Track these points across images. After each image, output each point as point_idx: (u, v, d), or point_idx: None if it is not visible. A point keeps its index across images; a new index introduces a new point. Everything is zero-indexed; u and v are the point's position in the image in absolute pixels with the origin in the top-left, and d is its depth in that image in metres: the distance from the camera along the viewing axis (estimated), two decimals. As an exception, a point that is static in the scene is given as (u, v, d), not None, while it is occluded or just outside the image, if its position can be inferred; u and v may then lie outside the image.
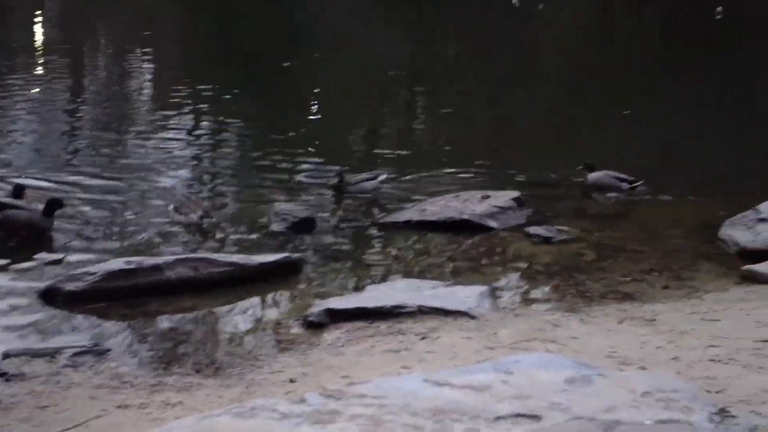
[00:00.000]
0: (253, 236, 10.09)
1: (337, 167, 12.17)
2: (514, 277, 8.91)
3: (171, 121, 15.51)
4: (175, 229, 10.21)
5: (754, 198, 9.80)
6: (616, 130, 14.44)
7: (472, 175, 12.58)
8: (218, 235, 10.10)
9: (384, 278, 8.93)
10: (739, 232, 9.30)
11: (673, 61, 20.25)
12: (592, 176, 11.68)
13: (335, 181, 11.61)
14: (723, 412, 4.32)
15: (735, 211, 9.66)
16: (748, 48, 21.33)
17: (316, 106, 17.49)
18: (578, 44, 24.02)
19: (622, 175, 11.62)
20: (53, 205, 9.98)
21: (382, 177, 11.71)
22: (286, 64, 20.22)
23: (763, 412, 5.78)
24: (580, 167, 11.77)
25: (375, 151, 14.33)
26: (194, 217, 10.22)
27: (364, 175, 11.68)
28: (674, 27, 26.04)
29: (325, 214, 10.81)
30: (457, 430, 3.96)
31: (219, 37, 24.28)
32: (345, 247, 9.97)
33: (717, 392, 5.97)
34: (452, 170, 12.83)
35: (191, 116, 16.15)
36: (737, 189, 10.88)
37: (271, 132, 14.73)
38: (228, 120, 15.60)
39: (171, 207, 10.61)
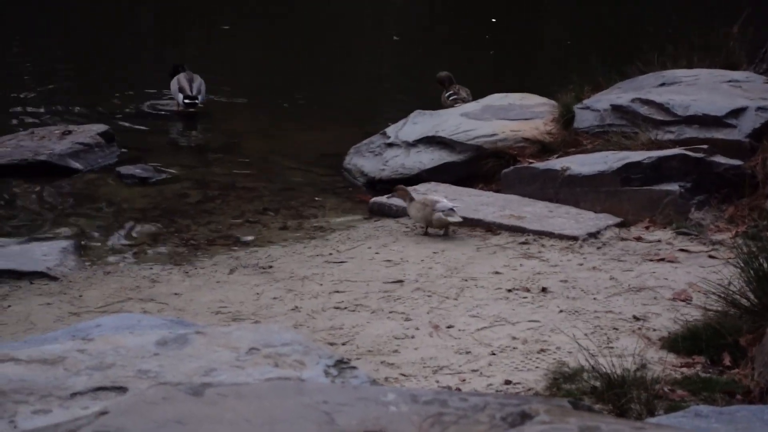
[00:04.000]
0: None
1: None
2: (104, 228, 8.84)
3: None
4: None
5: (380, 122, 10.16)
6: (219, 48, 14.46)
7: (47, 107, 12.27)
8: None
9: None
10: (365, 160, 9.49)
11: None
12: (173, 82, 11.55)
13: None
14: (341, 364, 4.45)
15: (360, 137, 9.87)
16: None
17: None
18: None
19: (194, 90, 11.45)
20: None
21: None
22: None
23: (393, 361, 6.08)
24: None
25: None
26: None
27: None
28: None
29: None
30: (24, 414, 3.92)
31: None
32: None
33: (343, 344, 6.28)
34: (22, 100, 12.46)
35: None
36: (361, 113, 11.11)
37: None
38: None
39: None
